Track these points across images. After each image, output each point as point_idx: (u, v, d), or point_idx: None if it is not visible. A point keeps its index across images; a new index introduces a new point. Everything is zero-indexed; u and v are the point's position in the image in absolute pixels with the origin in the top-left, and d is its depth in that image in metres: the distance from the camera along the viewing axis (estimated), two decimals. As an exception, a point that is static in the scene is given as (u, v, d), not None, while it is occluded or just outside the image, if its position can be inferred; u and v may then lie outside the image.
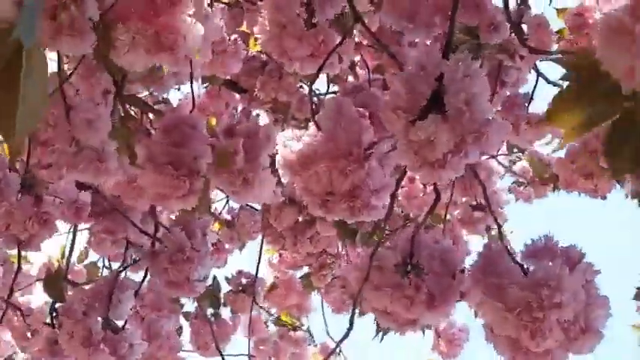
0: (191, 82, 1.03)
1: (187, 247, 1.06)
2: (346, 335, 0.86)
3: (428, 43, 0.92)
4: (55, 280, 1.24)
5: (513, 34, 1.14)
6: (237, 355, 1.84)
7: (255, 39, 1.73)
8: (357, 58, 1.46)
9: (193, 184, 0.90)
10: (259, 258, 1.68)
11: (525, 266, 0.76)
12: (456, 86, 0.67)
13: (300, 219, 1.72)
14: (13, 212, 0.95)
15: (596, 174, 1.36)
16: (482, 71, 0.68)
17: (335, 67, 1.08)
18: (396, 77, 0.71)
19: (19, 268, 1.16)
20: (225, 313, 1.83)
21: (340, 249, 1.90)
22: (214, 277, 1.83)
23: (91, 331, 1.03)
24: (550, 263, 0.74)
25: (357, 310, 0.86)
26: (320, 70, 0.98)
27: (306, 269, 1.94)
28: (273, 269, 1.98)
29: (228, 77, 1.63)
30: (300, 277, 1.96)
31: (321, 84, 1.78)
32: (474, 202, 1.72)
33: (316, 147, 0.78)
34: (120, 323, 1.12)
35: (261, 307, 1.90)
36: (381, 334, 1.57)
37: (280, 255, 1.99)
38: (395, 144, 0.74)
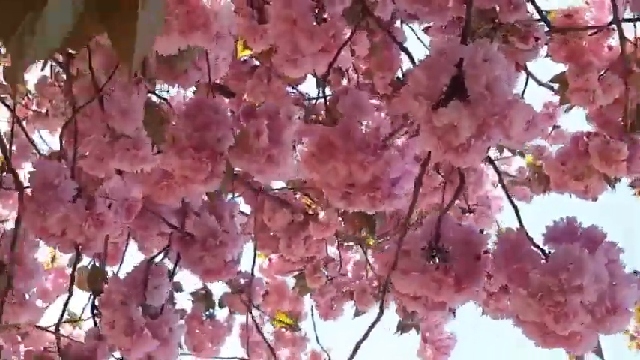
0: (208, 66, 1.02)
1: (218, 230, 1.06)
2: (374, 323, 0.86)
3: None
4: (95, 277, 1.26)
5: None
6: (232, 358, 1.83)
7: (244, 43, 1.74)
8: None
9: (215, 167, 0.90)
10: (254, 258, 1.68)
11: (547, 250, 0.76)
12: (476, 71, 0.68)
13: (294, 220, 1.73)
14: (69, 217, 0.94)
15: (586, 175, 1.39)
16: (502, 55, 0.70)
17: (347, 60, 1.08)
18: (417, 64, 0.71)
19: (73, 273, 1.12)
20: (220, 314, 1.82)
21: (331, 252, 1.91)
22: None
23: (132, 318, 1.03)
24: (570, 245, 0.74)
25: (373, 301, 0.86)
26: (331, 64, 0.98)
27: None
28: (264, 274, 1.98)
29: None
30: (294, 277, 1.96)
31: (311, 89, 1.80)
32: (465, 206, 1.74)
33: (331, 140, 0.78)
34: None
35: (257, 307, 1.89)
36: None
37: (270, 260, 1.99)
38: (416, 131, 0.75)
